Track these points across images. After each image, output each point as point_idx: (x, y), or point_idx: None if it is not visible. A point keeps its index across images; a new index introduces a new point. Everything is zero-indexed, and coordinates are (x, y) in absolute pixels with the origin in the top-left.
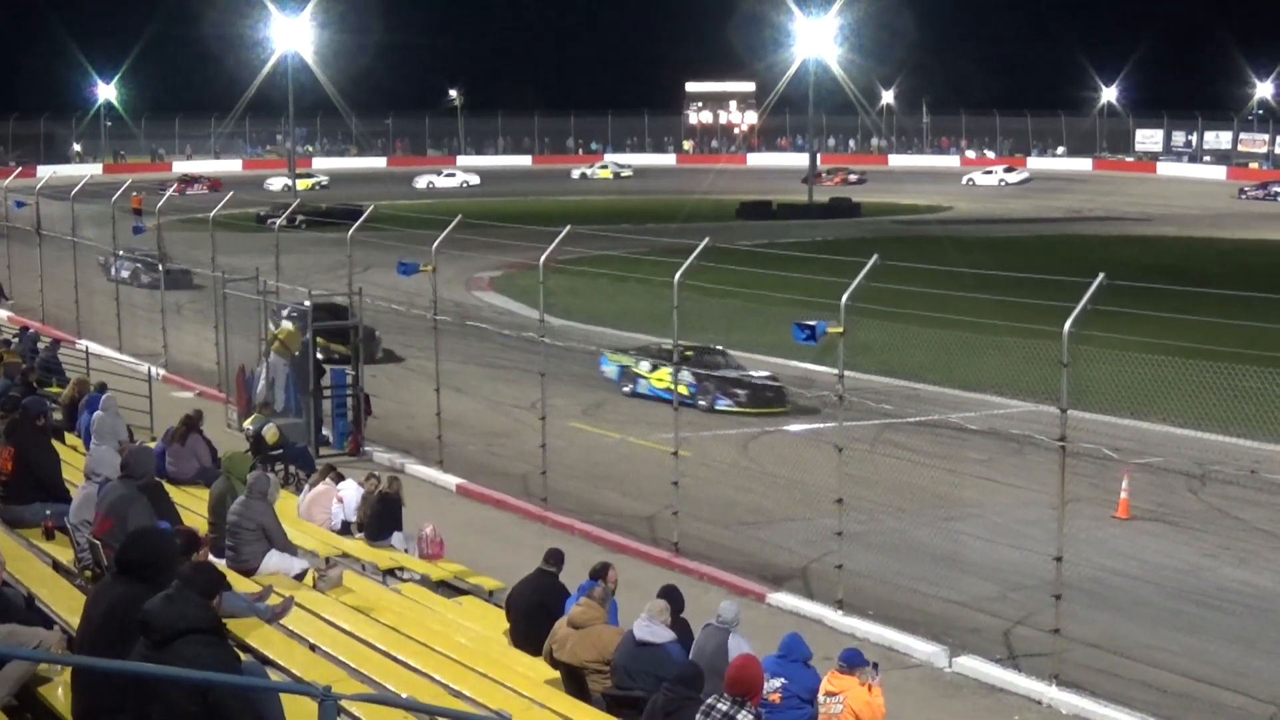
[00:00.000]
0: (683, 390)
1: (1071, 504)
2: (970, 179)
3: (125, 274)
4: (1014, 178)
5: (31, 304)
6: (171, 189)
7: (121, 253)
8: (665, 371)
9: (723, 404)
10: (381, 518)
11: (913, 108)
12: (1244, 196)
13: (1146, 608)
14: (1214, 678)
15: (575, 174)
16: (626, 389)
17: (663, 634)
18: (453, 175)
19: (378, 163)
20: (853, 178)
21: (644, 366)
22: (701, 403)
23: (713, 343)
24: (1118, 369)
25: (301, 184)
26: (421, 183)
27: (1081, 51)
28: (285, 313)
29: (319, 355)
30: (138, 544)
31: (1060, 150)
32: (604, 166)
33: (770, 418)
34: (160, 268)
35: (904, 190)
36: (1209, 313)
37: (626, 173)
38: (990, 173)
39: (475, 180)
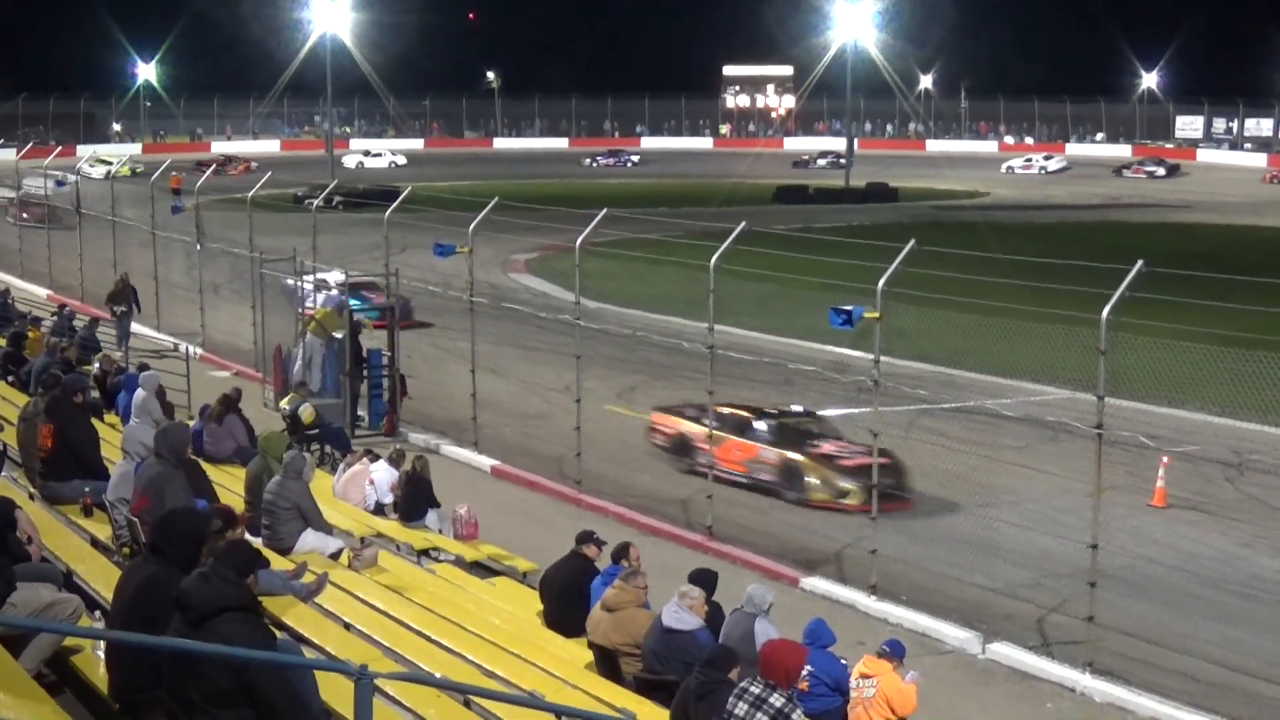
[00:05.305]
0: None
1: (1107, 492)
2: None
3: None
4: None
5: (70, 282)
6: None
7: None
8: None
9: None
10: (413, 499)
11: (951, 93)
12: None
13: (1182, 597)
14: (1249, 668)
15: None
16: None
17: (690, 621)
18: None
19: (415, 144)
20: (254, 165)
21: None
22: None
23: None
24: (1155, 356)
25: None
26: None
27: (1122, 37)
28: None
29: None
30: (168, 524)
31: (1099, 137)
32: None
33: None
34: None
35: (941, 175)
36: (1248, 301)
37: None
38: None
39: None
